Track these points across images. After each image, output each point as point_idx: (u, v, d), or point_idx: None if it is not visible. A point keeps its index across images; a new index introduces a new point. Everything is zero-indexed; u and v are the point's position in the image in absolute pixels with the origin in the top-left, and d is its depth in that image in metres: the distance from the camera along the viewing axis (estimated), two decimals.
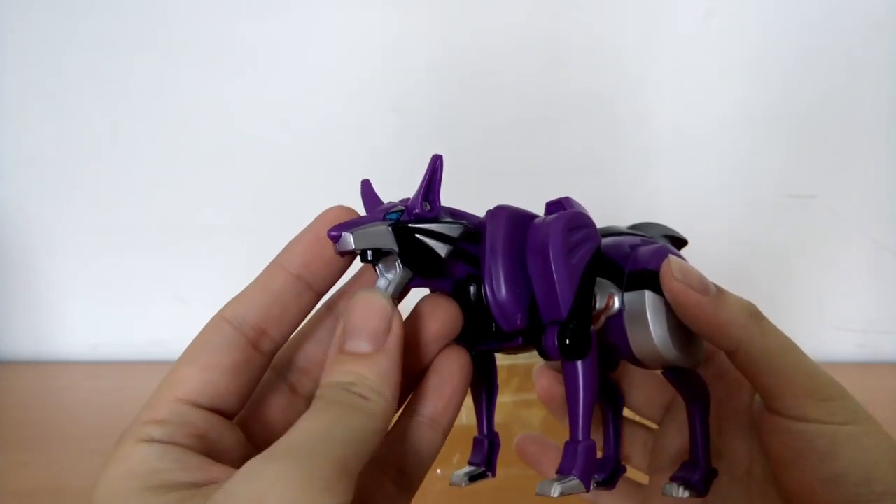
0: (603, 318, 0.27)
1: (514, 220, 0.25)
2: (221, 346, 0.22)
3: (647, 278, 0.26)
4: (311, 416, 0.20)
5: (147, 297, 0.72)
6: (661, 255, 0.27)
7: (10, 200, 0.69)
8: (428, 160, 0.23)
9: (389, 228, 0.22)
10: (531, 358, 0.54)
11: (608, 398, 0.32)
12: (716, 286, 0.26)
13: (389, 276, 0.23)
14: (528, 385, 0.54)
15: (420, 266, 0.22)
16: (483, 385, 0.28)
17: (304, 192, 0.67)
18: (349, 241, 0.21)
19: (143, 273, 0.71)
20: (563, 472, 0.23)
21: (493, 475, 0.28)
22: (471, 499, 0.51)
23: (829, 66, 0.65)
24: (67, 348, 0.73)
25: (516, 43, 0.64)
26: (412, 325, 0.24)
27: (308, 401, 0.21)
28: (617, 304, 0.26)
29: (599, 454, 0.32)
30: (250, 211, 0.68)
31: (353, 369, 0.21)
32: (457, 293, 0.24)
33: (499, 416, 0.53)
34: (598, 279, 0.26)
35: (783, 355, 0.25)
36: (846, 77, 0.65)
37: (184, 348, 0.23)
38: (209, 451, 0.21)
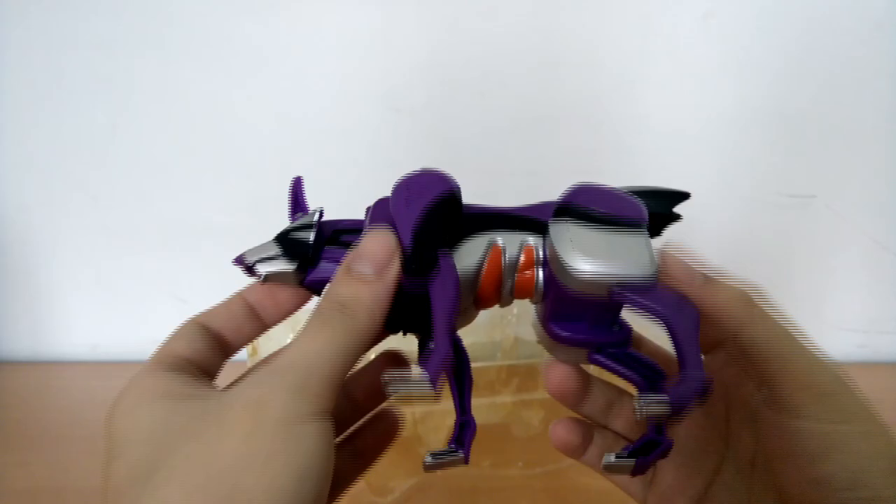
0: (539, 270, 0.28)
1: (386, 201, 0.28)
2: (196, 332, 0.27)
3: (560, 212, 0.27)
4: (308, 334, 0.23)
5: (147, 297, 0.72)
6: (586, 189, 0.28)
7: (10, 200, 0.69)
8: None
9: (273, 240, 0.28)
10: (531, 358, 0.54)
11: (649, 377, 0.28)
12: (704, 276, 0.26)
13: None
14: (529, 385, 0.54)
15: (297, 255, 0.28)
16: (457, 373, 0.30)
17: (304, 193, 0.67)
18: (244, 258, 0.28)
19: (143, 273, 0.71)
20: (421, 365, 0.26)
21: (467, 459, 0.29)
22: (471, 499, 0.51)
23: (828, 66, 0.65)
24: (67, 348, 0.73)
25: (516, 42, 0.64)
26: (373, 369, 0.30)
27: None
28: (540, 252, 0.28)
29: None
30: (250, 211, 0.68)
31: (353, 288, 0.24)
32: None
33: (499, 416, 0.53)
34: (507, 231, 0.28)
35: (777, 345, 0.25)
36: (846, 77, 0.65)
37: None
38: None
